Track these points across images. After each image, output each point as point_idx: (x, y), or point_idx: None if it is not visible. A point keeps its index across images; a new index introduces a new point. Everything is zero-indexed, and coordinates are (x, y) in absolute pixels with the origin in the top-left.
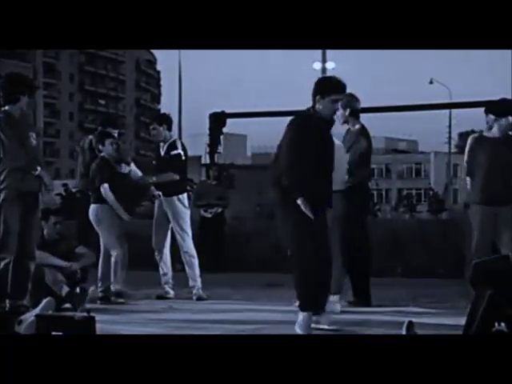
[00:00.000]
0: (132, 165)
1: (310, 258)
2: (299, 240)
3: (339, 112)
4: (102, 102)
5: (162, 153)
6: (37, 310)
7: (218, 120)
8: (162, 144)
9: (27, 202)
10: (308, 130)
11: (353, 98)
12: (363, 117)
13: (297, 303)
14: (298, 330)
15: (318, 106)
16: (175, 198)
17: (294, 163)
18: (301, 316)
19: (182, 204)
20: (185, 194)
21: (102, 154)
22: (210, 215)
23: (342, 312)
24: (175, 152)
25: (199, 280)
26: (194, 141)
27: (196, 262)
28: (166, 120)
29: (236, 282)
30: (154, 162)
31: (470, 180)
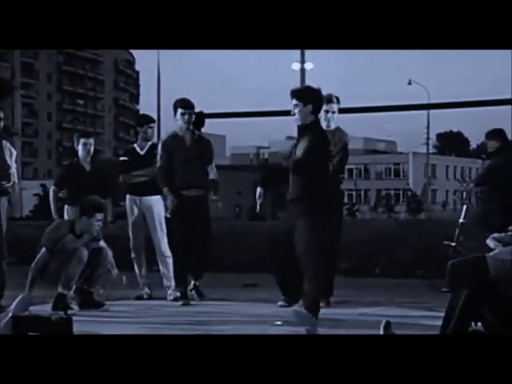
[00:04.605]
0: None
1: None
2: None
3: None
4: (81, 101)
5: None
6: (11, 308)
7: (196, 120)
8: (148, 144)
9: None
10: None
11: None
12: (342, 117)
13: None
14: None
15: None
16: (156, 197)
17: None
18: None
19: (162, 204)
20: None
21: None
22: (168, 215)
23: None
24: None
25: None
26: None
27: (171, 261)
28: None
29: (214, 282)
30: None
31: None
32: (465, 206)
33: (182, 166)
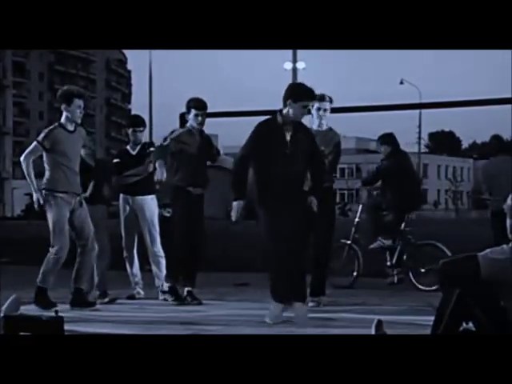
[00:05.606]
0: None
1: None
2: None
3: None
4: None
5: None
6: (3, 308)
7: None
8: (137, 145)
9: None
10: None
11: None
12: (334, 117)
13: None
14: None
15: (288, 110)
16: (149, 197)
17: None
18: (271, 306)
19: (155, 203)
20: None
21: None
22: (168, 214)
23: (310, 311)
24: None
25: None
26: None
27: (164, 262)
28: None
29: (205, 282)
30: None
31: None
32: (360, 206)
33: (191, 164)
